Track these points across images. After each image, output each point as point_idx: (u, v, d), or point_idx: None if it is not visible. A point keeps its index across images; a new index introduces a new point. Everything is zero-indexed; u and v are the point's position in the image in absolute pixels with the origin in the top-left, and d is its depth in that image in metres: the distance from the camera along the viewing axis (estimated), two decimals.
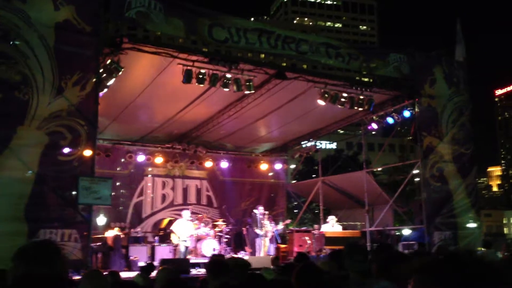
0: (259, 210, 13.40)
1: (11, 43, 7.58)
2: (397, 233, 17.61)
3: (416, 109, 12.26)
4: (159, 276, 4.27)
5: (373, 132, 15.83)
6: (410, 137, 12.90)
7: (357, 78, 12.43)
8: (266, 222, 13.30)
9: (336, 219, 14.11)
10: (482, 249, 11.03)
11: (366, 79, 13.05)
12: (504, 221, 68.36)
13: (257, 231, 13.17)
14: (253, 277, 2.65)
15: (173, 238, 12.52)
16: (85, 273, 3.92)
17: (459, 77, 13.00)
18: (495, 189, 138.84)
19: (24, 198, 7.43)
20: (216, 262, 3.62)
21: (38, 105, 7.71)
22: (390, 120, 13.01)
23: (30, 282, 1.56)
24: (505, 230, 63.57)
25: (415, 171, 13.49)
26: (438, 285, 1.07)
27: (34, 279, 1.57)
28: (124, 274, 7.87)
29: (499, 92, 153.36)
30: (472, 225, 12.48)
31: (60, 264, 1.84)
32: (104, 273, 4.76)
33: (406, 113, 12.55)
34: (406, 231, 17.05)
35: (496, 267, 1.10)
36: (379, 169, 24.94)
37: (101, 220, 13.57)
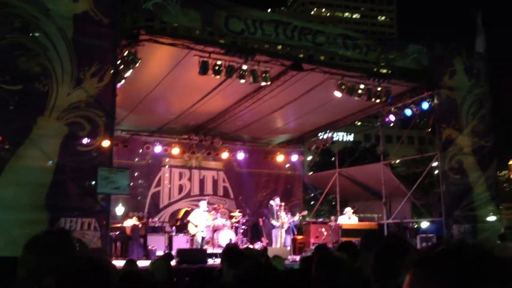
0: (276, 202, 13.43)
1: (30, 34, 7.70)
2: (415, 226, 17.47)
3: (435, 101, 12.09)
4: (158, 265, 4.33)
5: (391, 124, 15.68)
6: (429, 129, 12.74)
7: (374, 69, 12.32)
8: (282, 213, 13.32)
9: (352, 211, 14.06)
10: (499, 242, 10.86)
11: (384, 71, 12.93)
12: None
13: (274, 222, 13.20)
14: (261, 267, 2.65)
15: (190, 228, 12.64)
16: None
17: (480, 69, 12.77)
18: None
19: (45, 187, 7.57)
20: (231, 251, 3.64)
21: (57, 96, 7.83)
22: (408, 112, 12.87)
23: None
24: None
25: (434, 164, 13.32)
26: (436, 281, 0.94)
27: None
28: (142, 263, 7.98)
29: None
30: (492, 218, 12.31)
31: (72, 254, 1.80)
32: (122, 261, 4.86)
33: (425, 105, 12.38)
34: (425, 224, 16.91)
35: (507, 263, 0.95)
36: (397, 161, 24.73)
37: (119, 209, 13.77)
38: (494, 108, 13.10)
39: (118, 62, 8.75)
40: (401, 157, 22.16)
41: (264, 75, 10.20)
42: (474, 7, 13.39)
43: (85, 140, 8.07)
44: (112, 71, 8.38)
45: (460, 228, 11.66)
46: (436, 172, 12.98)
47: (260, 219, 14.30)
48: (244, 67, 9.95)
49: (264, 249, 9.86)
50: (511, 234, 13.12)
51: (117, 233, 12.03)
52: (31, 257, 1.75)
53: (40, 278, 1.69)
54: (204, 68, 9.57)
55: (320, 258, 3.14)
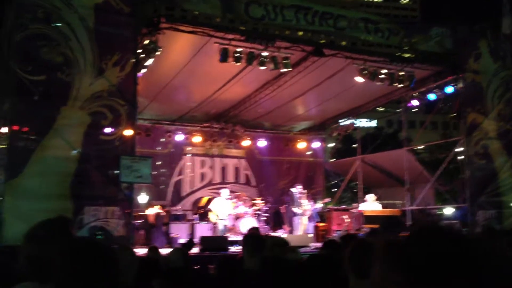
0: (297, 189, 13.39)
1: (52, 25, 7.76)
2: (439, 212, 17.24)
3: (460, 85, 11.84)
4: (173, 252, 4.36)
5: (414, 110, 15.41)
6: (454, 114, 12.50)
7: (397, 54, 12.11)
8: (304, 200, 13.29)
9: (375, 197, 13.94)
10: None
11: (407, 55, 12.69)
12: None
13: (295, 209, 13.18)
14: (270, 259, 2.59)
15: (212, 217, 12.71)
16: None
17: (506, 51, 12.41)
18: None
19: (69, 177, 7.68)
20: (250, 237, 3.61)
21: (80, 86, 7.91)
22: (432, 96, 12.64)
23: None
24: None
25: (459, 149, 13.09)
26: (401, 267, 0.87)
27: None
28: (165, 251, 8.07)
29: None
30: None
31: (69, 241, 1.80)
32: (145, 250, 4.92)
33: (449, 89, 12.14)
34: (449, 210, 16.67)
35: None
36: (421, 147, 24.39)
37: (142, 198, 13.90)
38: None
39: (139, 51, 8.78)
40: (425, 143, 21.86)
41: (284, 61, 10.10)
42: None
43: (107, 129, 8.15)
44: (133, 60, 8.42)
45: (485, 214, 11.47)
46: (460, 157, 12.72)
47: (282, 207, 14.29)
48: (265, 53, 9.88)
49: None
50: None
51: (141, 221, 12.18)
52: (28, 245, 1.78)
53: (39, 265, 1.70)
54: (224, 56, 9.53)
55: (356, 245, 3.08)
